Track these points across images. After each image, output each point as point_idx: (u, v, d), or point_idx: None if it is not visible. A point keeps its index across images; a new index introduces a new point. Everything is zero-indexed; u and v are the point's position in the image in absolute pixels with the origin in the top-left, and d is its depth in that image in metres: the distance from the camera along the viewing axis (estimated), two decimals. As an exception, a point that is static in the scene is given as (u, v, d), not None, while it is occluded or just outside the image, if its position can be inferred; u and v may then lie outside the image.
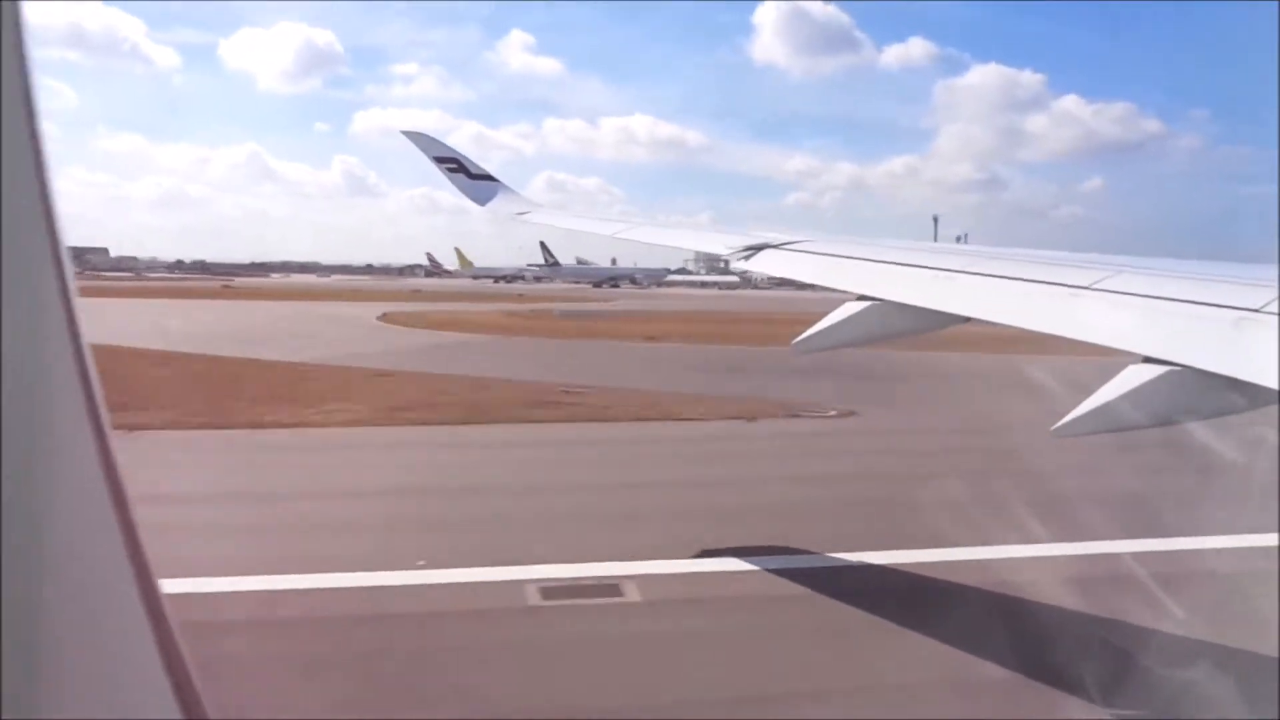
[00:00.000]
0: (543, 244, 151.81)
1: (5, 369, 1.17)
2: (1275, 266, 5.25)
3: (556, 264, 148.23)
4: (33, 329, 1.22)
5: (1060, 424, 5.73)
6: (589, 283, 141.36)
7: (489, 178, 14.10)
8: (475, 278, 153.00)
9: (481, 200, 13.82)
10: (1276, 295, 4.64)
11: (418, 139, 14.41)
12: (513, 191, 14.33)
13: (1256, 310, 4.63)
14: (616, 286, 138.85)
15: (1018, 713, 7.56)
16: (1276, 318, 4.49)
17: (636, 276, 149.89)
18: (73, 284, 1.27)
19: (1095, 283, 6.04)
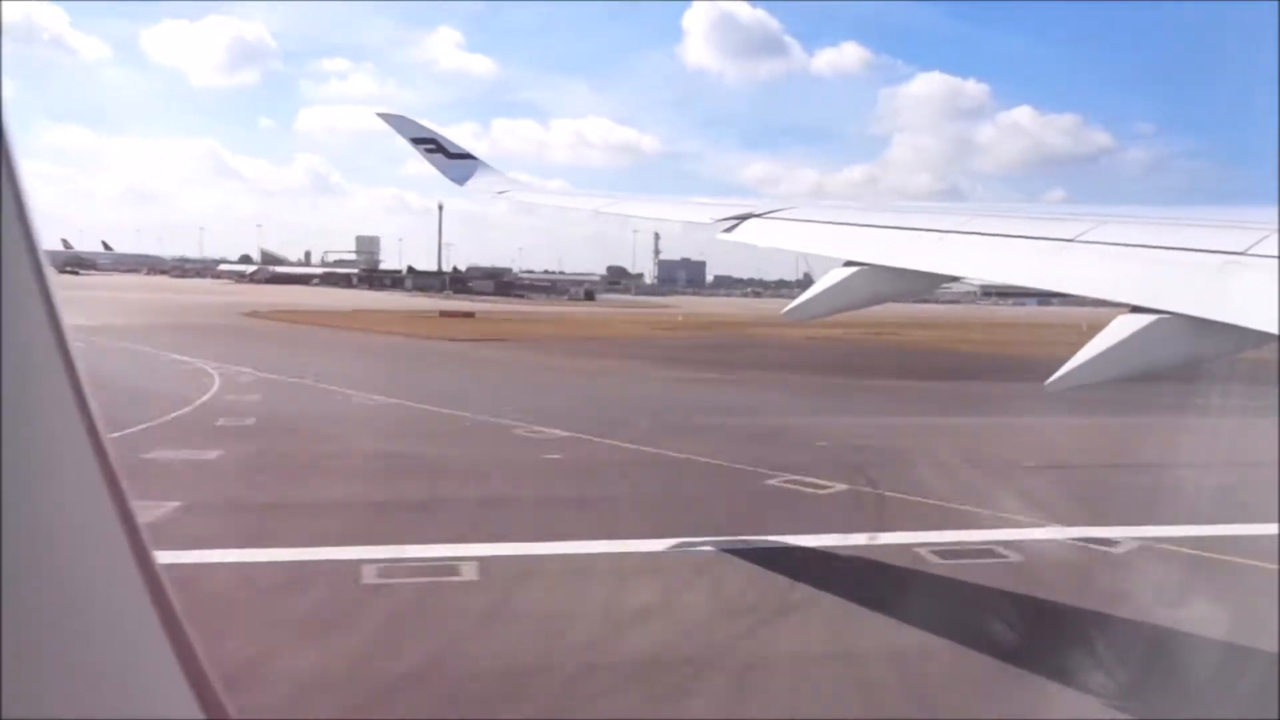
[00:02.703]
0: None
1: None
2: (1260, 209, 5.27)
3: None
4: (13, 325, 1.18)
5: (1053, 379, 5.77)
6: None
7: (467, 156, 13.97)
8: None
9: (461, 179, 13.69)
10: (1261, 237, 4.67)
11: (393, 120, 14.24)
12: (492, 169, 14.19)
13: (1242, 253, 4.66)
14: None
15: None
16: (1262, 259, 4.52)
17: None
18: (50, 275, 1.24)
19: (1081, 235, 6.06)
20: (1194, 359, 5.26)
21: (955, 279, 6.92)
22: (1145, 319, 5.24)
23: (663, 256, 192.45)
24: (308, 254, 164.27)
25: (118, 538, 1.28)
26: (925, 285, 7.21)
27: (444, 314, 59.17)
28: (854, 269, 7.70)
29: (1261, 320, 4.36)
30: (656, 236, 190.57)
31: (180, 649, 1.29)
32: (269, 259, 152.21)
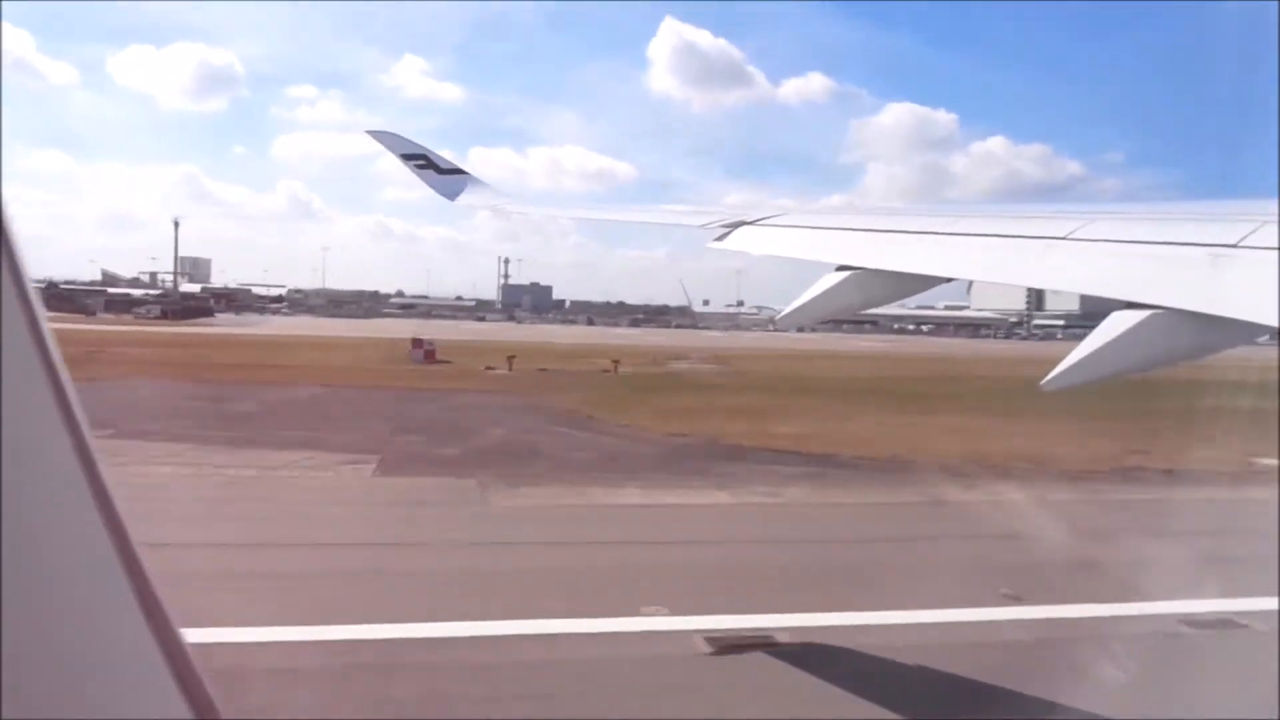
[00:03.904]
0: None
1: None
2: (1253, 202, 5.21)
3: None
4: None
5: (1049, 378, 5.69)
6: None
7: (458, 171, 13.94)
8: None
9: (452, 195, 13.64)
10: (1254, 229, 4.60)
11: (383, 137, 14.22)
12: (484, 184, 14.15)
13: (1234, 245, 4.59)
14: None
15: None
16: (1255, 251, 4.45)
17: None
18: (29, 280, 1.26)
19: (1071, 232, 5.99)
20: (1188, 354, 5.18)
21: (947, 280, 6.85)
22: (1138, 315, 5.16)
23: (511, 281, 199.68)
24: (153, 275, 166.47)
25: (101, 538, 1.27)
26: (917, 287, 7.14)
27: None
28: (846, 273, 7.64)
29: (1255, 313, 4.29)
30: (504, 261, 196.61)
31: (168, 648, 1.30)
32: (109, 279, 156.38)
